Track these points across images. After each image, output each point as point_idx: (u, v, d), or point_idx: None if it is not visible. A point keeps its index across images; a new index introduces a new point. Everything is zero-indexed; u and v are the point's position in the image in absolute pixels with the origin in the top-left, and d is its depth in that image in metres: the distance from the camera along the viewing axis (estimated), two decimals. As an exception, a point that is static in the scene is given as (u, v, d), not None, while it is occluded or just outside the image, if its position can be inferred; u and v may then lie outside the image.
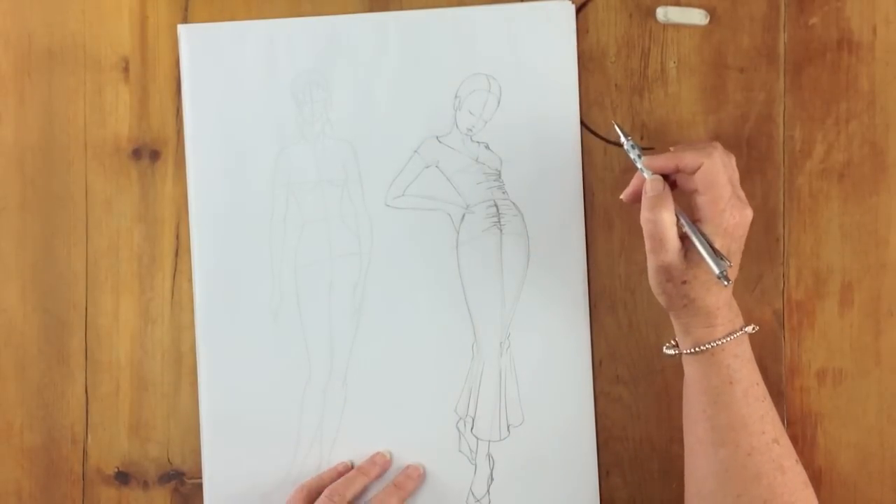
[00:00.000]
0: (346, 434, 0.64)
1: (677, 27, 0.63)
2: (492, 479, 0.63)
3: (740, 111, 0.63)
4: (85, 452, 0.67)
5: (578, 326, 0.63)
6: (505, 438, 0.63)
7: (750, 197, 0.63)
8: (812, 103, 0.63)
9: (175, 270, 0.66)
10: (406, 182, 0.64)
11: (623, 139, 0.57)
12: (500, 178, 0.64)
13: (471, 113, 0.63)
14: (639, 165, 0.56)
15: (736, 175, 0.57)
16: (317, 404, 0.64)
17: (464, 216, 0.64)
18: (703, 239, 0.54)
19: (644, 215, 0.56)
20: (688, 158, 0.55)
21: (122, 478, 0.66)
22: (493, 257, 0.63)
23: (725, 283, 0.54)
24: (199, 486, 0.65)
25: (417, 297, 0.64)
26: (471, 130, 0.64)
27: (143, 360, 0.66)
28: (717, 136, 0.63)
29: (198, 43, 0.65)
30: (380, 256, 0.64)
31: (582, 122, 0.64)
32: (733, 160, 0.57)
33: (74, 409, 0.67)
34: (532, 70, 0.63)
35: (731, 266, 0.55)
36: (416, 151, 0.64)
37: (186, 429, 0.66)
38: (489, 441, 0.64)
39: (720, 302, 0.56)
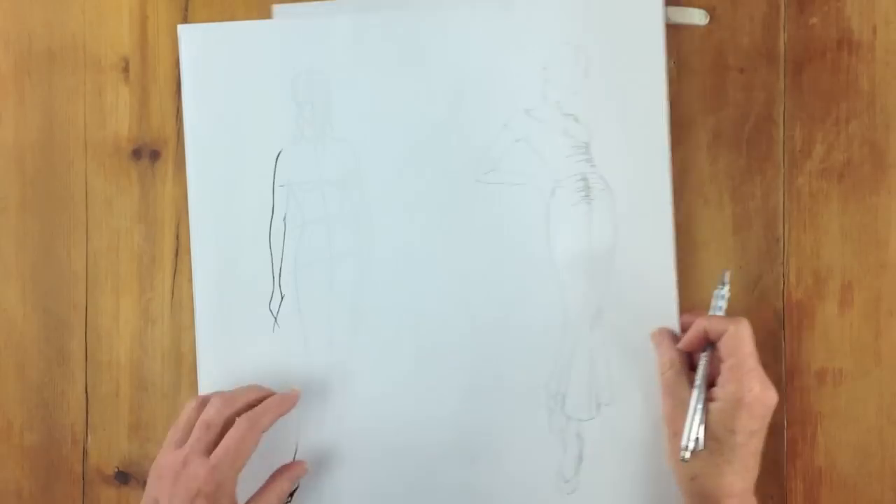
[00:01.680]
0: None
1: (677, 27, 0.63)
2: (581, 459, 0.62)
3: (740, 111, 0.63)
4: (85, 452, 0.67)
5: (667, 303, 0.61)
6: (595, 418, 0.62)
7: (750, 197, 0.63)
8: (812, 103, 0.63)
9: (175, 270, 0.66)
10: (496, 157, 0.63)
11: (720, 288, 0.59)
12: (588, 151, 0.62)
13: (559, 85, 0.62)
14: (716, 311, 0.58)
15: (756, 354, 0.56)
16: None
17: (553, 190, 0.62)
18: (700, 410, 0.55)
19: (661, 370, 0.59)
20: (714, 324, 0.56)
21: (122, 478, 0.66)
22: (582, 232, 0.62)
23: (682, 457, 0.54)
24: (199, 486, 0.65)
25: (510, 270, 0.62)
26: (559, 103, 0.62)
27: (143, 360, 0.66)
28: (717, 136, 0.63)
29: (198, 43, 0.65)
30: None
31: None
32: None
33: (74, 409, 0.67)
34: (619, 40, 0.61)
35: (697, 450, 0.54)
36: (504, 125, 0.62)
37: (186, 429, 0.66)
38: (579, 420, 0.62)
39: (732, 491, 0.54)
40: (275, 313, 0.64)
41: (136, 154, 0.66)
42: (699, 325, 0.57)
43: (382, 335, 0.64)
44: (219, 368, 0.65)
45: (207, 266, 0.65)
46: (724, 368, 0.56)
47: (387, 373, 0.64)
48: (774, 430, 0.63)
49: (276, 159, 0.64)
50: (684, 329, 0.60)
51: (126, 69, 0.66)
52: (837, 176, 0.63)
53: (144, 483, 0.66)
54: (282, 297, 0.64)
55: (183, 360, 0.66)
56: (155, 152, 0.66)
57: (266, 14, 0.65)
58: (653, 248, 0.61)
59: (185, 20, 0.66)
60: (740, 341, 0.55)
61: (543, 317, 0.62)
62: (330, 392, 0.64)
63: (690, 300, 0.63)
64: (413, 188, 0.63)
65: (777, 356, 0.63)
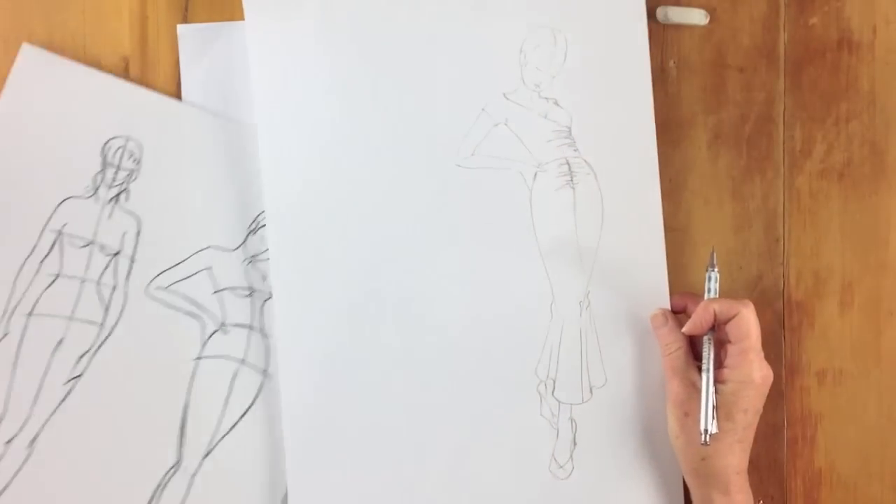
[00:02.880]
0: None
1: (677, 27, 0.63)
2: (575, 444, 0.61)
3: (740, 111, 0.63)
4: (85, 452, 0.67)
5: (658, 284, 0.61)
6: (588, 401, 0.62)
7: (750, 197, 0.63)
8: (812, 103, 0.63)
9: (175, 270, 0.66)
10: (475, 141, 0.62)
11: (711, 270, 0.59)
12: (570, 135, 0.62)
13: (537, 68, 0.62)
14: (711, 293, 0.58)
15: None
16: None
17: (536, 174, 0.62)
18: (711, 393, 0.56)
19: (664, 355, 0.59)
20: (723, 307, 0.57)
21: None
22: (567, 216, 0.62)
23: (704, 440, 0.55)
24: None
25: (494, 255, 0.62)
26: (538, 86, 0.62)
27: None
28: (717, 136, 0.63)
29: (198, 43, 0.65)
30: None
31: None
32: None
33: (74, 409, 0.67)
34: (598, 22, 0.61)
35: (714, 433, 0.55)
36: (483, 109, 0.62)
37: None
38: (571, 404, 0.62)
39: (740, 468, 0.56)
40: None
41: (136, 154, 0.66)
42: (708, 309, 0.57)
43: (367, 328, 0.62)
44: None
45: None
46: (735, 351, 0.56)
47: (374, 364, 0.62)
48: (774, 430, 0.63)
49: (60, 204, 0.62)
50: (676, 311, 0.60)
51: (126, 69, 0.66)
52: (837, 176, 0.63)
53: (144, 483, 0.66)
54: (4, 335, 0.61)
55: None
56: (155, 152, 0.66)
57: (266, 14, 0.65)
58: (641, 231, 0.61)
59: (185, 20, 0.66)
60: (751, 324, 0.56)
61: (530, 301, 0.62)
62: (317, 384, 0.62)
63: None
64: (392, 175, 0.62)
65: (777, 356, 0.63)
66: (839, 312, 0.63)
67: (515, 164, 0.62)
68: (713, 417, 0.55)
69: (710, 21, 0.63)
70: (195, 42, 0.65)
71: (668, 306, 0.61)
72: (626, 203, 0.61)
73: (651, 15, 0.63)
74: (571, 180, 0.62)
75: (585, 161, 0.62)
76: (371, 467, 0.61)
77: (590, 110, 0.62)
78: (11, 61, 0.67)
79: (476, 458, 0.61)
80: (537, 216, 0.62)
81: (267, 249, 0.62)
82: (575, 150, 0.62)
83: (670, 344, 0.59)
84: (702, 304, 0.57)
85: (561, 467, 0.61)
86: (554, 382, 0.62)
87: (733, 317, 0.56)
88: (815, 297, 0.63)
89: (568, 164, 0.62)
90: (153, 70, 0.66)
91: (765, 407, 0.62)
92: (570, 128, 0.62)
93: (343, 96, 0.62)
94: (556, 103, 0.62)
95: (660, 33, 0.63)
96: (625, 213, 0.61)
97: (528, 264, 0.62)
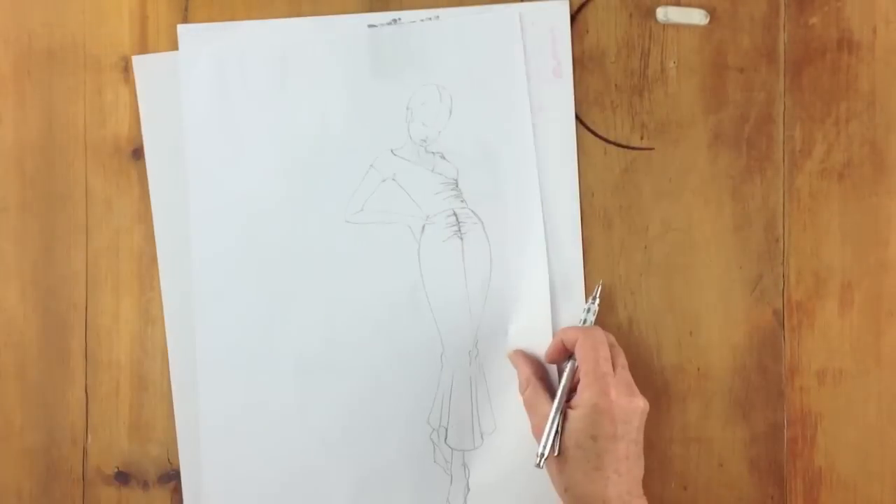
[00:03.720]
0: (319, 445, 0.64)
1: (677, 27, 0.63)
2: (468, 489, 0.63)
3: (740, 111, 0.63)
4: (85, 452, 0.67)
5: (543, 328, 0.62)
6: (479, 447, 0.63)
7: (750, 197, 0.63)
8: (812, 103, 0.63)
9: (175, 270, 0.66)
10: (364, 197, 0.64)
11: (591, 302, 0.61)
12: (457, 186, 0.64)
13: (423, 124, 0.64)
14: (587, 322, 0.61)
15: (623, 362, 0.57)
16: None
17: (424, 227, 0.64)
18: (556, 417, 0.56)
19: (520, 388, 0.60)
20: (568, 334, 0.58)
21: (122, 478, 0.66)
22: (455, 267, 0.63)
23: (537, 463, 0.55)
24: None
25: (384, 309, 0.63)
26: (425, 141, 0.64)
27: (143, 360, 0.66)
28: (717, 136, 0.63)
29: (198, 43, 0.65)
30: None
31: (582, 122, 0.64)
32: (622, 355, 0.58)
33: (74, 409, 0.67)
34: (481, 78, 0.63)
35: (550, 455, 0.55)
36: (371, 166, 0.64)
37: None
38: (463, 451, 0.63)
39: (605, 497, 0.53)
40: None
41: (136, 154, 0.66)
42: (557, 337, 0.59)
43: (263, 383, 0.64)
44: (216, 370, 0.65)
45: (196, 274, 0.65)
46: (581, 375, 0.56)
47: (270, 418, 0.64)
48: (774, 430, 0.63)
49: None
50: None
51: (126, 69, 0.66)
52: (837, 176, 0.63)
53: (144, 483, 0.66)
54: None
55: (183, 360, 0.66)
56: (155, 152, 0.66)
57: (266, 15, 0.65)
58: (527, 277, 0.63)
59: (185, 20, 0.66)
60: (591, 348, 0.56)
61: (421, 353, 0.64)
62: (218, 441, 0.64)
63: (689, 300, 0.63)
64: (283, 232, 0.64)
65: (777, 356, 0.63)
66: (839, 312, 0.63)
67: (404, 218, 0.64)
68: (552, 441, 0.55)
69: (710, 21, 0.63)
70: (195, 42, 0.65)
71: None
72: (513, 250, 0.63)
73: (651, 15, 0.63)
74: (459, 230, 0.63)
75: (472, 211, 0.63)
76: None
77: (475, 162, 0.64)
78: (11, 61, 0.67)
79: None
80: (426, 268, 0.64)
81: None
82: (462, 202, 0.64)
83: (521, 383, 0.60)
84: (556, 334, 0.60)
85: None
86: (446, 430, 0.63)
87: (576, 341, 0.57)
88: (815, 297, 0.63)
89: (455, 215, 0.63)
90: (153, 70, 0.66)
91: (765, 407, 0.63)
92: (456, 180, 0.64)
93: (239, 153, 0.64)
94: (442, 157, 0.64)
95: (660, 33, 0.64)
96: (511, 261, 0.63)
97: (418, 317, 0.63)
